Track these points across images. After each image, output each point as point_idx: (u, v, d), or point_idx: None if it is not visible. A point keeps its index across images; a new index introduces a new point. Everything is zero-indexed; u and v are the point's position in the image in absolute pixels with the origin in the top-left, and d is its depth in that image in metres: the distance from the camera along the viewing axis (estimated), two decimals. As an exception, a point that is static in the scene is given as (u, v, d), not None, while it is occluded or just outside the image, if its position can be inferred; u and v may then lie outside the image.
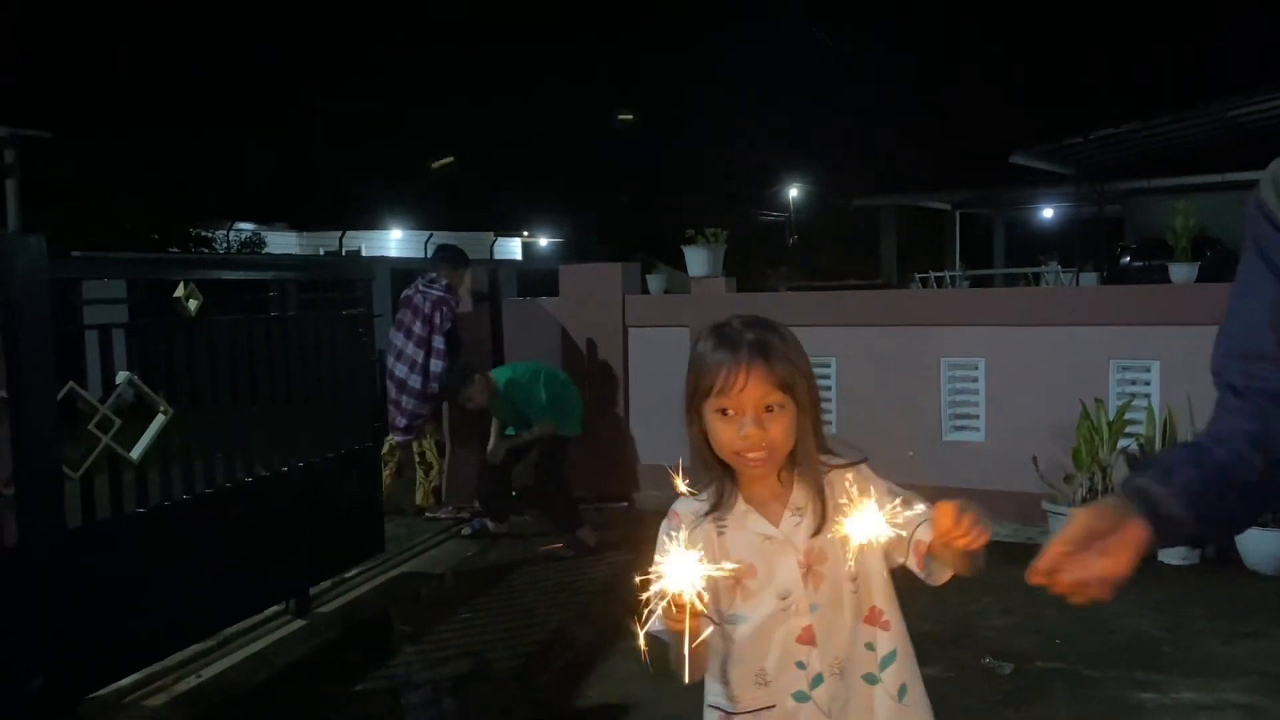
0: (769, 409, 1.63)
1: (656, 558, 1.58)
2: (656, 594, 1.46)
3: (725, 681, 1.70)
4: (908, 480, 5.66)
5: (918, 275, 17.39)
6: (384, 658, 4.58)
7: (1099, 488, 5.45)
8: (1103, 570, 1.34)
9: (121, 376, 3.83)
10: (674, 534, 1.61)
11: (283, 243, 25.16)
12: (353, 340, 5.27)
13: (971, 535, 1.47)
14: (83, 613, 3.53)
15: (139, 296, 4.95)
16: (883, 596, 1.69)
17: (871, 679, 1.68)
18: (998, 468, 6.06)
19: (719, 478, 1.70)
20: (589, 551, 5.92)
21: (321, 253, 24.42)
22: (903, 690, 1.70)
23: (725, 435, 1.64)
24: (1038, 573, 1.36)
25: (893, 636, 1.69)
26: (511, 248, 34.33)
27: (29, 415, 3.30)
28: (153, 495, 3.94)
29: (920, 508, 1.61)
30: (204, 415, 4.28)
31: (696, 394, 1.67)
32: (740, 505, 1.70)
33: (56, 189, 13.94)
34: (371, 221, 30.54)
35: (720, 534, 1.69)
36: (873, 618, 1.69)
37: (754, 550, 1.68)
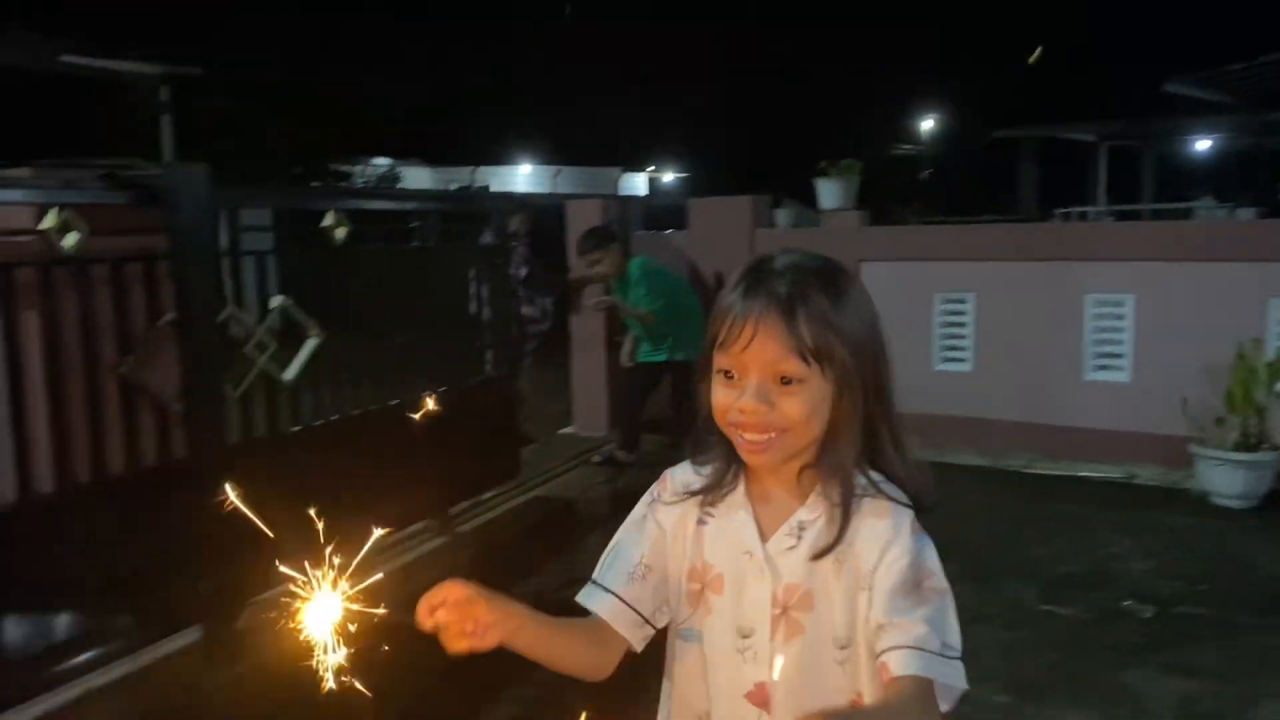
0: (784, 380, 1.25)
1: (625, 524, 1.42)
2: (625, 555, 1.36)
3: (668, 707, 1.42)
4: (1047, 421, 5.57)
5: (1059, 212, 16.71)
6: (520, 575, 4.74)
7: (1253, 432, 5.22)
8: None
9: (276, 300, 4.01)
10: (655, 499, 1.40)
11: (417, 178, 25.72)
12: (491, 270, 5.38)
13: None
14: (242, 524, 3.76)
15: (285, 226, 5.15)
16: (870, 685, 1.26)
17: None
18: (1142, 409, 5.84)
19: (724, 453, 1.35)
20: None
21: (452, 187, 24.90)
22: None
23: (722, 400, 1.29)
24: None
25: None
26: (636, 183, 34.35)
27: (195, 336, 3.49)
28: (305, 416, 4.14)
29: (917, 612, 1.22)
30: (351, 340, 4.45)
31: (708, 341, 1.32)
32: (738, 496, 1.35)
33: (207, 125, 14.55)
34: (500, 156, 30.93)
35: (702, 523, 1.36)
36: (858, 704, 1.28)
37: (729, 560, 1.33)
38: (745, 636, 1.31)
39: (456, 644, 1.22)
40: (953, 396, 6.47)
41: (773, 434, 1.26)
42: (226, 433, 3.71)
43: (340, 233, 4.32)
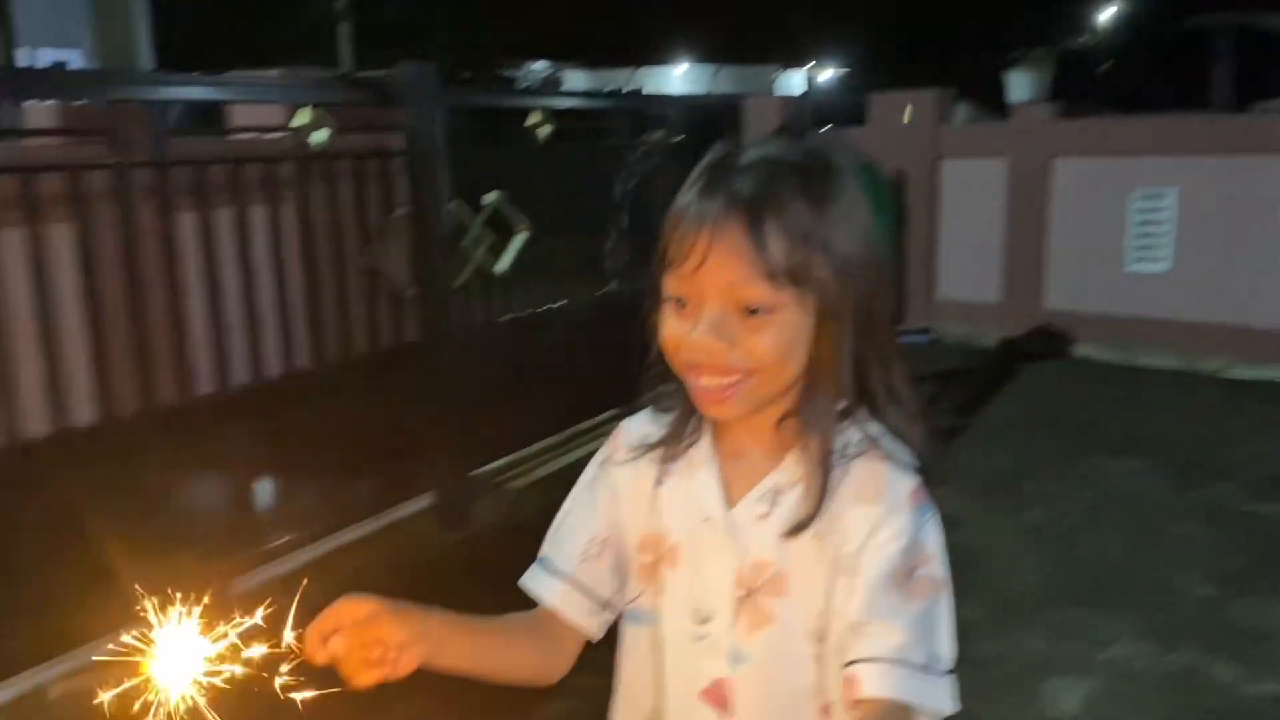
0: (749, 310, 0.97)
1: (577, 488, 1.17)
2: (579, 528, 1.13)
3: (617, 695, 1.18)
4: (1248, 323, 5.41)
5: (1259, 106, 15.53)
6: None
7: None
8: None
9: (490, 197, 4.23)
10: (606, 460, 1.15)
11: (575, 80, 25.84)
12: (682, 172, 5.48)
13: None
14: (464, 404, 4.05)
15: (493, 125, 5.37)
16: (839, 690, 1.01)
17: None
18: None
19: (684, 399, 1.06)
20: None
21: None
22: None
23: (672, 335, 1.01)
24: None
25: None
26: (794, 82, 33.57)
27: (427, 228, 3.74)
28: (517, 306, 4.39)
29: (901, 614, 0.98)
30: (555, 235, 4.65)
31: (658, 260, 1.04)
32: (702, 450, 1.08)
33: (381, 32, 14.98)
34: (657, 58, 30.69)
35: (659, 484, 1.10)
36: (827, 712, 1.05)
37: (687, 526, 1.08)
38: (703, 622, 1.06)
39: (361, 676, 0.95)
40: (1146, 298, 6.29)
41: (735, 378, 0.98)
42: (452, 318, 3.98)
43: (544, 131, 4.49)
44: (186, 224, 3.10)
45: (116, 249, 2.91)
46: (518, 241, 4.34)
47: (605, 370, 5.02)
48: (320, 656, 0.95)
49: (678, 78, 31.33)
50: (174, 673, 0.89)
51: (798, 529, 1.00)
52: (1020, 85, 6.88)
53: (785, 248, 0.95)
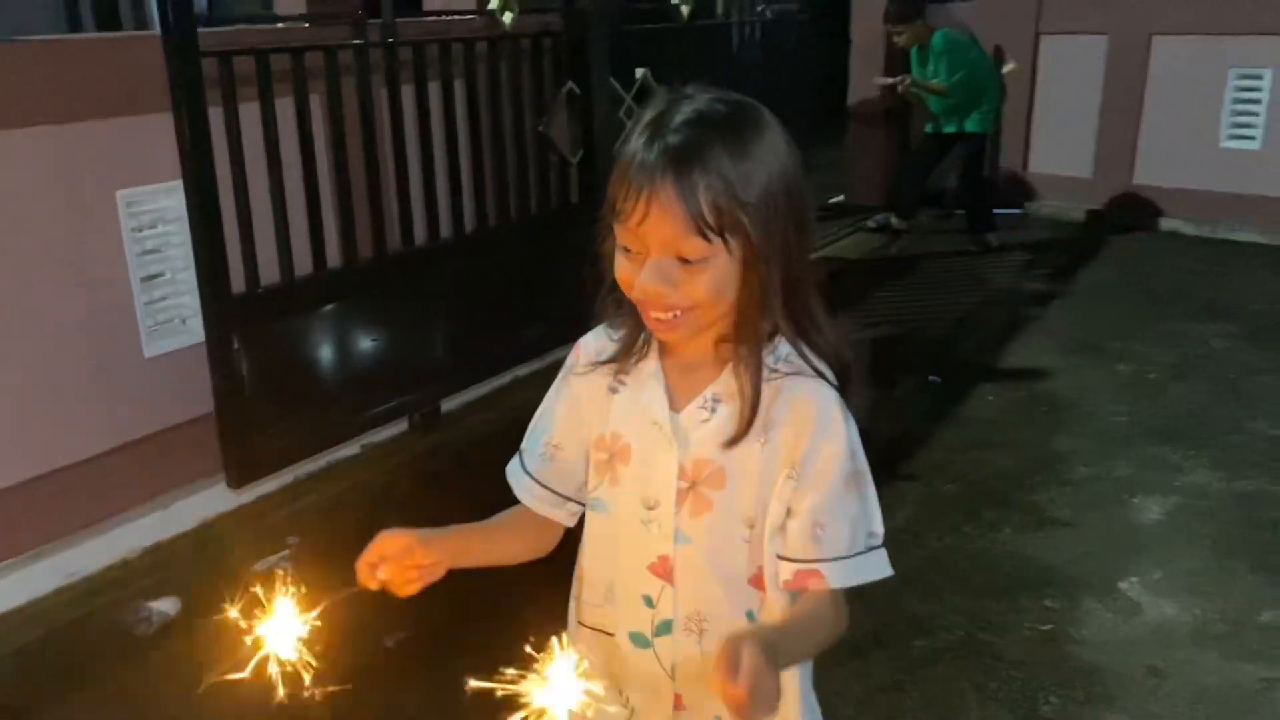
0: (684, 260, 1.10)
1: (551, 390, 1.34)
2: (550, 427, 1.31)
3: (579, 570, 1.37)
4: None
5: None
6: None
7: None
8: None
9: (640, 72, 4.67)
10: (570, 369, 1.32)
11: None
12: (811, 47, 5.82)
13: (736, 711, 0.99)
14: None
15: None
16: (769, 562, 1.21)
17: None
18: None
19: (634, 320, 1.22)
20: (991, 251, 6.44)
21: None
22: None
23: (624, 275, 1.15)
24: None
25: (773, 611, 1.23)
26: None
27: (592, 101, 4.22)
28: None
29: (846, 516, 1.17)
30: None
31: (609, 205, 1.15)
32: (650, 364, 1.24)
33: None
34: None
35: (614, 391, 1.26)
36: (758, 580, 1.23)
37: (637, 430, 1.25)
38: (650, 508, 1.23)
39: (404, 590, 1.22)
40: (1238, 174, 6.56)
41: (678, 312, 1.13)
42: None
43: (685, 9, 4.89)
44: (408, 97, 3.62)
45: (354, 119, 3.45)
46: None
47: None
48: (372, 583, 1.23)
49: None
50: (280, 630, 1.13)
51: (734, 441, 1.17)
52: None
53: (712, 206, 1.06)
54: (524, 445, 1.35)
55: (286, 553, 3.22)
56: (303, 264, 3.39)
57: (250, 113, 3.16)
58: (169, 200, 3.15)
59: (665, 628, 1.25)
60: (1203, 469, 3.59)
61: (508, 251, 4.06)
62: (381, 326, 3.65)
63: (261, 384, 3.29)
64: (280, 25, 3.46)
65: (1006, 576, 2.92)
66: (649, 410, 1.22)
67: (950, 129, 6.39)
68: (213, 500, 3.32)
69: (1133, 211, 6.95)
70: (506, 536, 1.35)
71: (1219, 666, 2.59)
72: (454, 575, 1.29)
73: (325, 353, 3.51)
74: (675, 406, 1.21)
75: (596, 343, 1.29)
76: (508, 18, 3.89)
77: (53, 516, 2.96)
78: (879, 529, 1.19)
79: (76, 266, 2.97)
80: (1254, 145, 6.57)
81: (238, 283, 3.22)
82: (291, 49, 3.18)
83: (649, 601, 1.25)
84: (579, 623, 1.35)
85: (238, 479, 3.27)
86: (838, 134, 7.71)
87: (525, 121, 4.08)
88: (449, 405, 4.05)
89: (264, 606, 1.14)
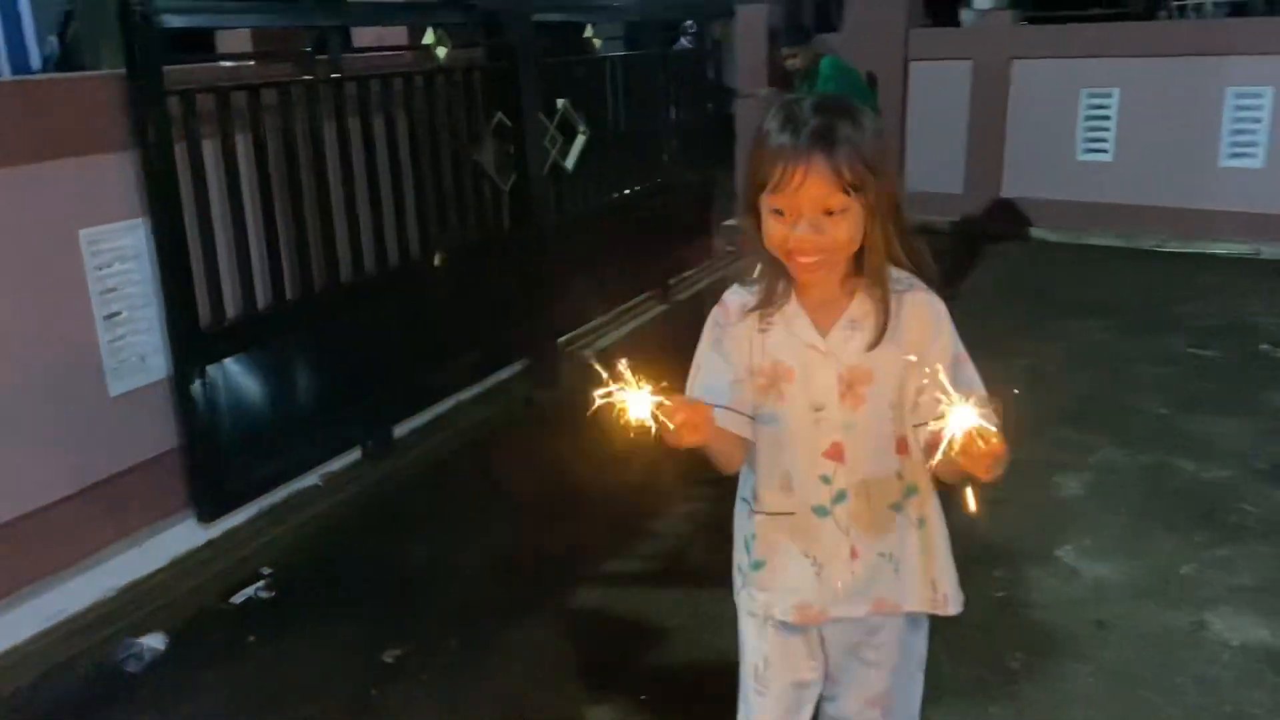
0: (829, 213, 1.44)
1: (701, 347, 1.62)
2: (711, 374, 1.55)
3: (755, 477, 1.67)
4: (1181, 204, 6.37)
5: (1173, 3, 16.39)
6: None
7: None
8: None
9: (560, 103, 4.84)
10: (721, 323, 1.60)
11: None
12: (695, 77, 6.11)
13: (986, 470, 1.33)
14: (559, 280, 4.73)
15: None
16: (910, 432, 1.59)
17: (897, 507, 1.62)
18: (1273, 192, 6.49)
19: (772, 274, 1.55)
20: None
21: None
22: (921, 521, 1.65)
23: (777, 234, 1.48)
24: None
25: (916, 469, 1.61)
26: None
27: (524, 130, 4.36)
28: (581, 198, 5.04)
29: (967, 378, 1.53)
30: (605, 138, 5.27)
31: (754, 182, 1.49)
32: (792, 306, 1.57)
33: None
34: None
35: (763, 332, 1.58)
36: (903, 447, 1.60)
37: (795, 355, 1.57)
38: (818, 410, 1.56)
39: (691, 438, 1.39)
40: (1094, 184, 7.16)
41: (824, 255, 1.47)
42: (542, 207, 4.63)
43: (598, 42, 5.09)
44: (354, 130, 3.69)
45: (306, 153, 3.51)
46: (580, 142, 4.96)
47: (645, 254, 5.74)
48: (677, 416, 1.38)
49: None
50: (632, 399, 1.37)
51: (875, 344, 1.53)
52: (984, -7, 7.57)
53: (849, 169, 1.42)
54: (694, 392, 1.59)
55: (263, 583, 3.24)
56: (263, 297, 3.42)
57: (208, 149, 3.19)
58: (128, 238, 3.15)
59: (841, 496, 1.60)
60: (1109, 447, 3.96)
61: (447, 278, 4.15)
62: (338, 355, 3.69)
63: (228, 418, 3.30)
64: (229, 64, 3.48)
65: (955, 553, 3.18)
66: (803, 337, 1.56)
67: None
68: (183, 536, 3.30)
69: (1003, 222, 7.48)
70: (724, 439, 1.57)
71: (1154, 614, 2.89)
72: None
73: (286, 384, 3.54)
74: (823, 332, 1.56)
75: (739, 298, 1.61)
76: (441, 52, 4.01)
77: (29, 561, 2.91)
78: (984, 393, 1.48)
79: (42, 307, 2.95)
80: (1107, 158, 7.19)
81: (203, 318, 3.23)
82: (249, 86, 3.23)
83: (826, 479, 1.60)
84: (757, 513, 1.67)
85: (210, 514, 3.27)
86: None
87: (461, 151, 4.19)
88: (400, 432, 4.11)
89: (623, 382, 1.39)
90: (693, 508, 3.63)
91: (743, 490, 1.72)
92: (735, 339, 1.59)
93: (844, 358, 1.55)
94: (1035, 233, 7.42)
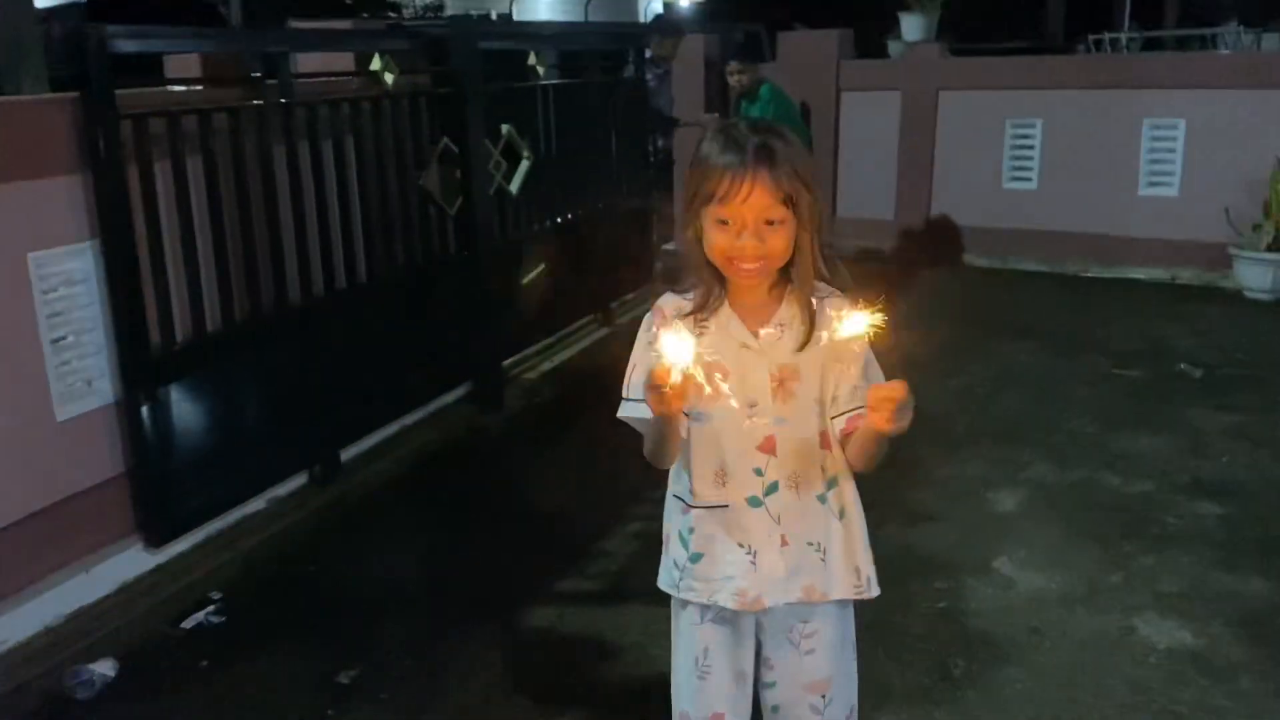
0: (769, 223, 1.60)
1: (637, 349, 1.73)
2: (646, 372, 1.55)
3: (688, 474, 1.78)
4: (1103, 231, 6.64)
5: (1091, 37, 17.04)
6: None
7: (1286, 235, 6.20)
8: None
9: (505, 129, 4.90)
10: (659, 326, 1.70)
11: (453, 6, 25.69)
12: (635, 106, 6.21)
13: (890, 419, 1.51)
14: (502, 303, 4.78)
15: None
16: (830, 426, 1.74)
17: (821, 498, 1.76)
18: (1188, 220, 6.80)
19: (707, 280, 1.69)
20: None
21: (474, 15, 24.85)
22: (842, 512, 1.79)
23: (720, 242, 1.62)
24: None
25: (837, 462, 1.76)
26: (653, 8, 33.93)
27: (471, 155, 4.42)
28: (523, 226, 5.10)
29: (874, 375, 1.71)
30: (548, 163, 5.33)
31: (697, 197, 1.63)
32: (725, 310, 1.70)
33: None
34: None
35: (700, 334, 1.68)
36: (826, 442, 1.74)
37: (730, 355, 1.69)
38: (752, 405, 1.70)
39: (676, 405, 1.50)
40: (1019, 211, 7.42)
41: (762, 262, 1.62)
42: (487, 231, 4.68)
43: (541, 70, 5.17)
44: (303, 153, 3.72)
45: (254, 176, 3.53)
46: (524, 167, 5.03)
47: (587, 279, 5.80)
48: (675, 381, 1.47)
49: (545, 3, 31.29)
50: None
51: (805, 344, 1.67)
52: (914, 25, 7.82)
53: (788, 183, 1.58)
54: (629, 394, 1.73)
55: (213, 608, 3.22)
56: (211, 321, 3.42)
57: (159, 172, 3.19)
58: (75, 262, 3.13)
59: (773, 488, 1.74)
60: (1039, 463, 4.12)
61: (393, 301, 4.18)
62: (285, 379, 3.70)
63: (178, 442, 3.29)
64: (181, 89, 3.49)
65: (898, 567, 3.28)
66: (737, 337, 1.70)
67: None
68: (130, 562, 3.27)
69: (933, 247, 7.70)
70: (676, 437, 1.71)
71: (1086, 621, 3.03)
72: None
73: (234, 408, 3.53)
74: (754, 333, 1.70)
75: (674, 303, 1.74)
76: (389, 78, 4.06)
77: (-28, 588, 2.87)
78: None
79: (-11, 331, 2.92)
80: (1031, 186, 7.46)
81: (152, 341, 3.22)
82: (200, 110, 3.25)
83: (759, 471, 1.73)
84: (693, 507, 1.78)
85: (157, 539, 3.25)
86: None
87: (407, 176, 4.23)
88: (346, 456, 4.11)
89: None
90: (640, 526, 3.69)
91: (674, 488, 1.83)
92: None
93: (775, 356, 1.69)
94: (965, 258, 7.65)
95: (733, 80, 6.99)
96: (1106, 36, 18.93)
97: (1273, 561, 3.31)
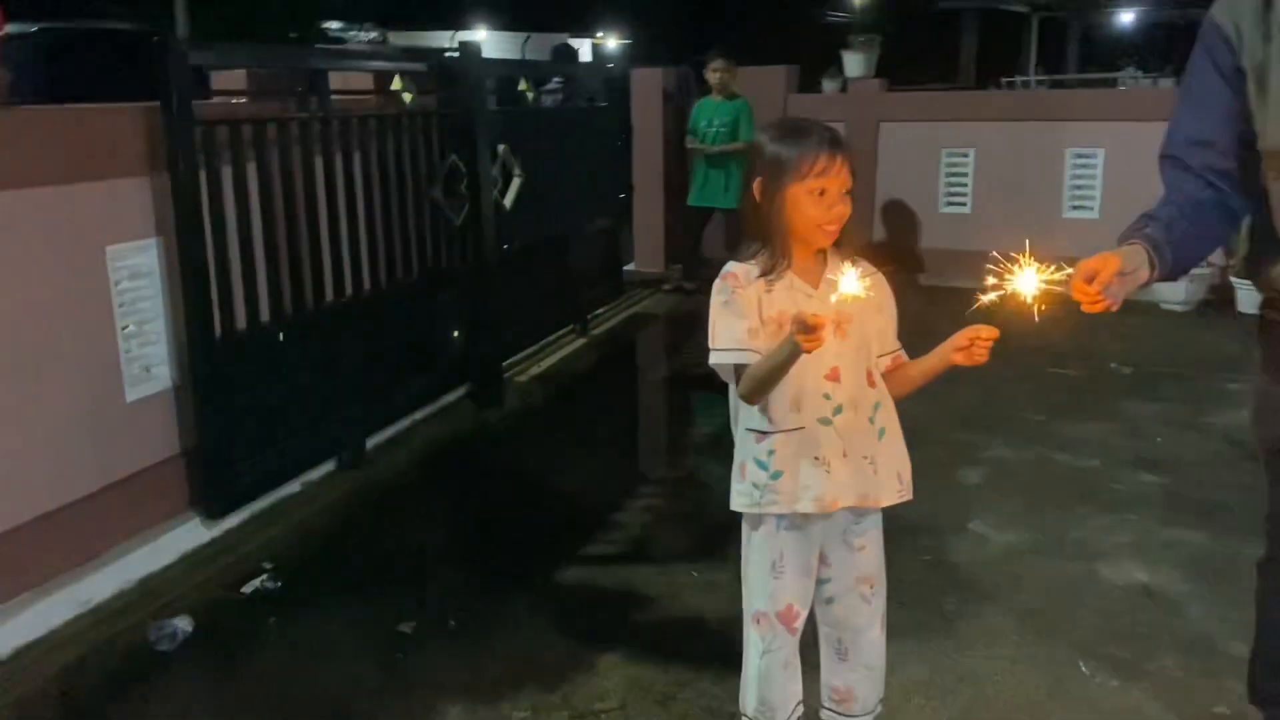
0: (847, 192, 1.98)
1: (714, 309, 2.05)
2: (732, 325, 1.99)
3: (765, 407, 2.07)
4: (1034, 251, 7.12)
5: (1004, 80, 18.03)
6: (643, 363, 6.20)
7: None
8: (1119, 294, 1.83)
9: (500, 147, 5.26)
10: (730, 288, 2.03)
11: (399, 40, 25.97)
12: (613, 131, 6.64)
13: (985, 356, 2.05)
14: (496, 310, 5.12)
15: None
16: (874, 363, 2.12)
17: (871, 419, 2.10)
18: (1109, 240, 7.36)
19: (775, 249, 2.02)
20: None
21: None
22: (882, 432, 2.14)
23: (814, 211, 1.96)
24: (1083, 287, 1.82)
25: (880, 390, 2.13)
26: (583, 50, 34.57)
27: (477, 171, 4.77)
28: (514, 239, 5.45)
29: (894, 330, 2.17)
30: (535, 181, 5.70)
31: (785, 174, 1.95)
32: (786, 273, 2.03)
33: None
34: (452, 21, 30.99)
35: (768, 291, 2.02)
36: (870, 376, 2.11)
37: (796, 304, 1.99)
38: None
39: (820, 344, 1.82)
40: (954, 233, 8.00)
41: (839, 224, 1.99)
42: (489, 243, 5.02)
43: (530, 95, 5.56)
44: (338, 164, 4.04)
45: (300, 180, 3.85)
46: (516, 184, 5.39)
47: (568, 291, 6.18)
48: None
49: (483, 42, 31.68)
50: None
51: (850, 299, 1.90)
52: (856, 63, 8.41)
53: (851, 161, 1.98)
54: (718, 345, 2.06)
55: (267, 575, 3.48)
56: (264, 312, 3.71)
57: (224, 176, 3.49)
58: (142, 257, 3.41)
59: (839, 410, 2.06)
60: (997, 446, 4.59)
61: (409, 303, 4.50)
62: (325, 369, 3.99)
63: (233, 425, 3.57)
64: (235, 101, 3.80)
65: (885, 530, 3.69)
66: (802, 291, 2.03)
67: (708, 204, 7.41)
68: (189, 534, 3.53)
69: (875, 267, 8.21)
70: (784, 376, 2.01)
71: (1056, 567, 3.48)
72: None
73: (280, 395, 3.81)
74: (812, 287, 2.04)
75: (743, 267, 2.06)
76: (407, 97, 4.40)
77: (59, 552, 3.11)
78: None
79: (73, 319, 3.18)
80: (965, 210, 8.05)
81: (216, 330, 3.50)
82: (257, 120, 3.56)
83: (828, 396, 2.05)
84: (771, 433, 2.08)
85: (218, 511, 3.51)
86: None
87: (420, 189, 4.57)
88: (368, 445, 4.40)
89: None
90: (649, 502, 4.07)
91: (748, 424, 2.12)
92: (745, 298, 2.02)
93: (830, 305, 1.95)
94: (906, 277, 8.20)
95: (713, 77, 7.41)
96: (1018, 79, 20.10)
97: (1208, 519, 3.81)
